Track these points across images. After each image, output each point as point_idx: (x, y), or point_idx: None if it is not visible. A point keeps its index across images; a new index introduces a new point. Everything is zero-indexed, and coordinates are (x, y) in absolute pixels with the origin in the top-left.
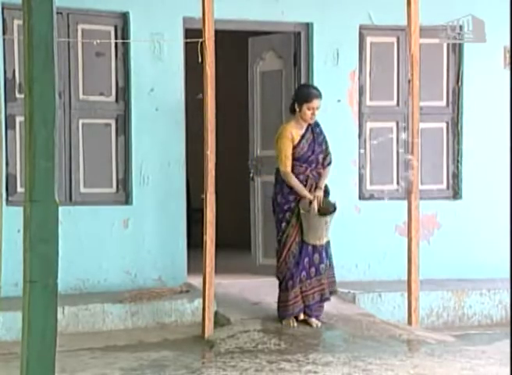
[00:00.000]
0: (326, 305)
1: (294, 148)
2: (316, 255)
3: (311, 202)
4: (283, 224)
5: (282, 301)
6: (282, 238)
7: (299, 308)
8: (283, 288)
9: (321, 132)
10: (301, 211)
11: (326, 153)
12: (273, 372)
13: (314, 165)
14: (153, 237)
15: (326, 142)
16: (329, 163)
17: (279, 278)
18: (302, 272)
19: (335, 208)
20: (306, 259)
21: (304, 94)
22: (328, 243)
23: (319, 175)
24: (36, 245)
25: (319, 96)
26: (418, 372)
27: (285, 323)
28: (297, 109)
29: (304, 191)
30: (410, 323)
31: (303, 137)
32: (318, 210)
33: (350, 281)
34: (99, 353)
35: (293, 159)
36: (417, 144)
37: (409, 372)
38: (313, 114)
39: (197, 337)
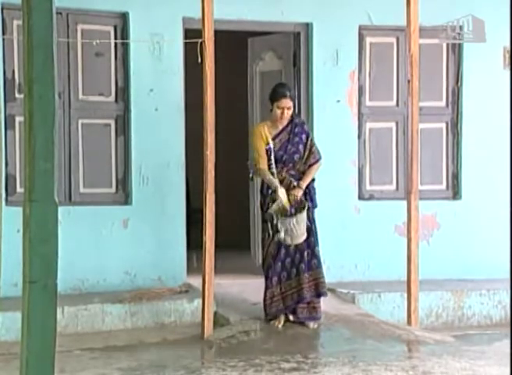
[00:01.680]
0: (326, 306)
1: (267, 145)
2: (297, 255)
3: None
4: (263, 224)
5: (263, 301)
6: (263, 239)
7: (276, 308)
8: (264, 288)
9: (301, 131)
10: (269, 211)
11: (309, 152)
12: (273, 372)
13: (290, 164)
14: (152, 238)
15: (310, 141)
16: (316, 161)
17: None
18: (282, 272)
19: (302, 209)
20: (288, 260)
21: (274, 93)
22: (315, 243)
23: (302, 174)
24: (35, 245)
25: (287, 96)
26: (418, 372)
27: (271, 323)
28: (271, 108)
29: (271, 181)
30: (409, 323)
31: (276, 136)
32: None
33: (349, 281)
34: (98, 353)
35: (268, 159)
36: (416, 145)
37: (408, 372)
38: (282, 113)
39: (197, 337)
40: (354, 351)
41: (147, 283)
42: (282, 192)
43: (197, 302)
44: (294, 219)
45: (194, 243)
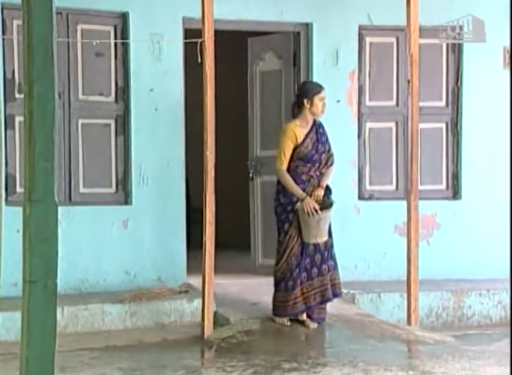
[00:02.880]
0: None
1: (298, 146)
2: (318, 256)
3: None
4: (286, 225)
5: (281, 302)
6: (285, 239)
7: (299, 309)
8: (282, 289)
9: (324, 132)
10: (296, 207)
11: (329, 154)
12: (273, 372)
13: (317, 164)
14: (152, 237)
15: (329, 143)
16: (332, 163)
17: (276, 278)
18: (303, 273)
19: (329, 206)
20: (307, 260)
21: (313, 87)
22: (331, 244)
23: (322, 175)
24: (35, 245)
25: (323, 88)
26: (418, 372)
27: (279, 322)
28: (307, 105)
29: (297, 190)
30: (409, 323)
31: (307, 135)
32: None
33: (349, 281)
34: (98, 353)
35: (298, 158)
36: (416, 145)
37: (408, 372)
38: (323, 105)
39: (197, 337)
40: (354, 351)
41: (147, 283)
42: (308, 202)
43: (197, 302)
44: (322, 215)
45: (194, 243)
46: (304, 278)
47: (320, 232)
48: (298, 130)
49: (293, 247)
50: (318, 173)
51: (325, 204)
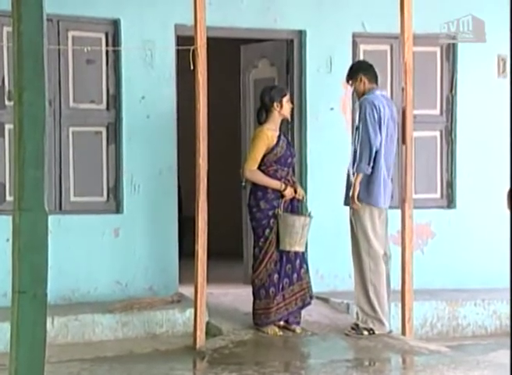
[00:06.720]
0: (319, 316)
1: (274, 148)
2: (298, 261)
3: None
4: (266, 230)
5: (262, 309)
6: (265, 245)
7: (281, 314)
8: (263, 296)
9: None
10: (276, 210)
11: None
12: None
13: (291, 169)
14: (144, 246)
15: None
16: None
17: (254, 285)
18: (284, 279)
19: (310, 215)
20: (288, 266)
21: (279, 90)
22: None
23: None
24: (25, 255)
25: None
26: None
27: (271, 333)
28: (277, 108)
29: (275, 183)
30: (403, 333)
31: (279, 138)
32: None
33: (343, 291)
34: (89, 364)
35: (276, 162)
36: (411, 153)
37: None
38: (290, 107)
39: (189, 347)
40: (348, 361)
41: (138, 293)
42: (289, 190)
43: (189, 312)
44: (306, 221)
45: (186, 252)
46: (286, 284)
47: (302, 240)
48: (271, 133)
49: (273, 253)
50: (292, 179)
51: (308, 213)
